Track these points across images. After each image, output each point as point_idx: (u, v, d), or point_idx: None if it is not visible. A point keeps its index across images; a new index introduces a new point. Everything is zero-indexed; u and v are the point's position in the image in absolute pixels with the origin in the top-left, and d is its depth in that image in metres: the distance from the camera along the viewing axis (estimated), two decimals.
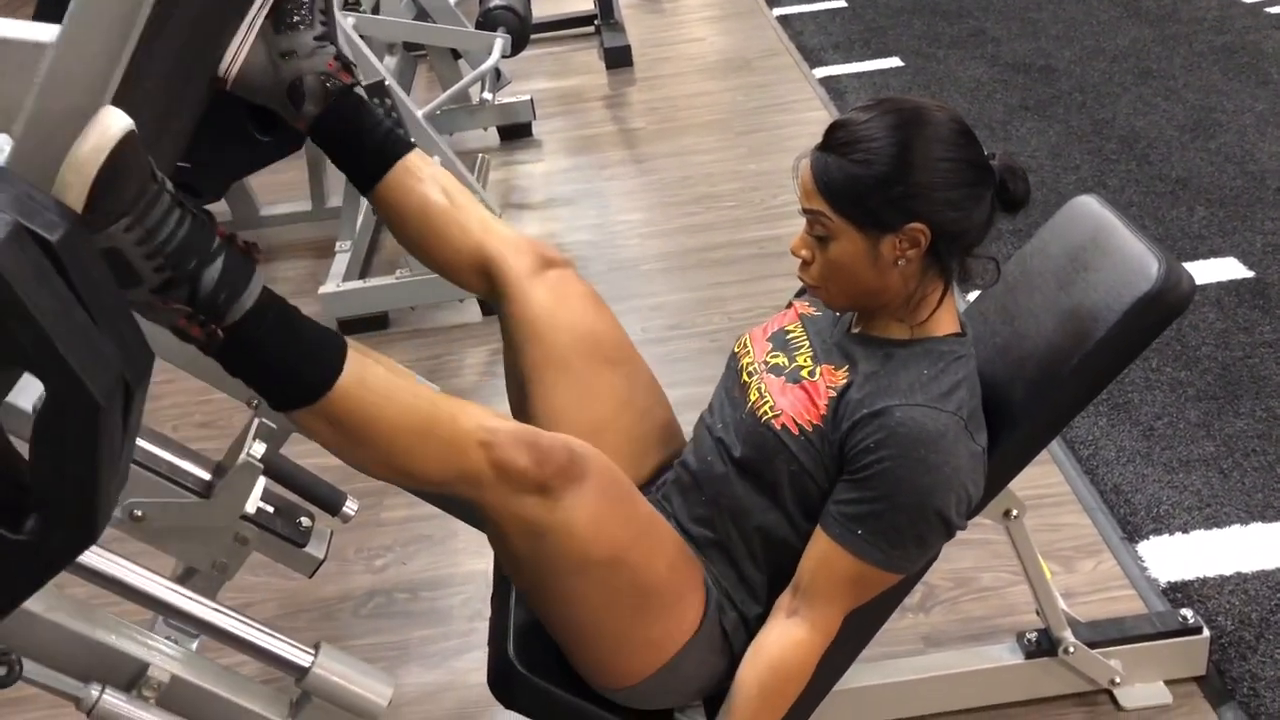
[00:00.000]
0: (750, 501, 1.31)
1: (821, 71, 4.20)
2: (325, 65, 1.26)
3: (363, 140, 1.34)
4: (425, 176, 1.38)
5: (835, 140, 1.23)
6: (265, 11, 1.22)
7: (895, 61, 4.19)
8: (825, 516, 1.25)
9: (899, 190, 1.19)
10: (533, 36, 3.82)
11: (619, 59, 4.51)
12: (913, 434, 1.19)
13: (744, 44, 4.65)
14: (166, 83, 1.04)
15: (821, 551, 1.24)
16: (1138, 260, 1.31)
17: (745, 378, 1.36)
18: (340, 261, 3.00)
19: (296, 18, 1.24)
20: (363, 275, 3.05)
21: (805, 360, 1.33)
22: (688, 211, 3.36)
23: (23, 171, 0.81)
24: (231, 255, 0.99)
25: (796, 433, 1.26)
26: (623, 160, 3.76)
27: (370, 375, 1.08)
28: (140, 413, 0.86)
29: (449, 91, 3.23)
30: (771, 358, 1.37)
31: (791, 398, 1.29)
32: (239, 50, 1.20)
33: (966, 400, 1.24)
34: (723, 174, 3.55)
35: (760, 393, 1.32)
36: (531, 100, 3.93)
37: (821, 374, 1.30)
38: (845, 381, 1.27)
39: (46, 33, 0.82)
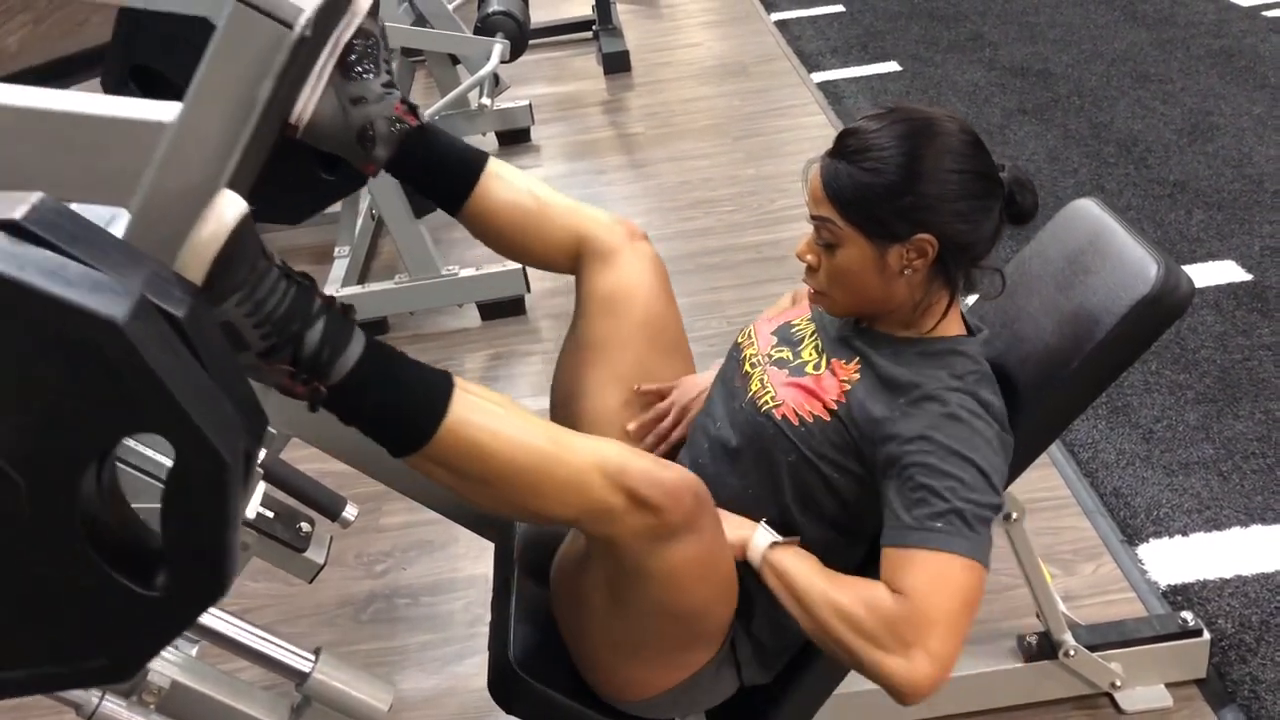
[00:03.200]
0: (744, 499, 1.30)
1: (819, 76, 4.21)
2: (393, 110, 1.26)
3: (441, 167, 1.35)
4: (508, 182, 1.39)
5: (846, 148, 1.23)
6: (334, 61, 1.23)
7: (893, 66, 4.20)
8: (897, 532, 1.16)
9: (908, 200, 1.20)
10: (531, 42, 3.83)
11: (617, 64, 4.52)
12: (960, 412, 1.19)
13: (742, 49, 4.65)
14: (258, 146, 1.06)
15: (906, 564, 1.14)
16: (1136, 263, 1.31)
17: (748, 368, 1.37)
18: (339, 266, 3.01)
19: (364, 66, 1.25)
20: (361, 280, 3.05)
21: (810, 354, 1.33)
22: (685, 216, 3.36)
23: (139, 246, 0.83)
24: (332, 317, 1.00)
25: (797, 423, 1.26)
26: (621, 165, 3.76)
27: (478, 415, 1.06)
28: (254, 471, 0.88)
29: (447, 97, 3.24)
30: (776, 351, 1.37)
31: (795, 391, 1.29)
32: (310, 98, 1.21)
33: (996, 400, 1.25)
34: (720, 179, 3.56)
35: (762, 383, 1.32)
36: (530, 105, 3.94)
37: (829, 368, 1.30)
38: (858, 375, 1.27)
39: (167, 112, 0.85)
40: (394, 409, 1.04)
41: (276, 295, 0.95)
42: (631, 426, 1.44)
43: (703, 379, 1.48)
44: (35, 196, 0.76)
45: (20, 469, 0.73)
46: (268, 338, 0.95)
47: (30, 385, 0.71)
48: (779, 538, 1.23)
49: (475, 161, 1.37)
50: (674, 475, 1.11)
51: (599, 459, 1.08)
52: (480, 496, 1.10)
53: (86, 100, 0.87)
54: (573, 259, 1.44)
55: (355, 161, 1.29)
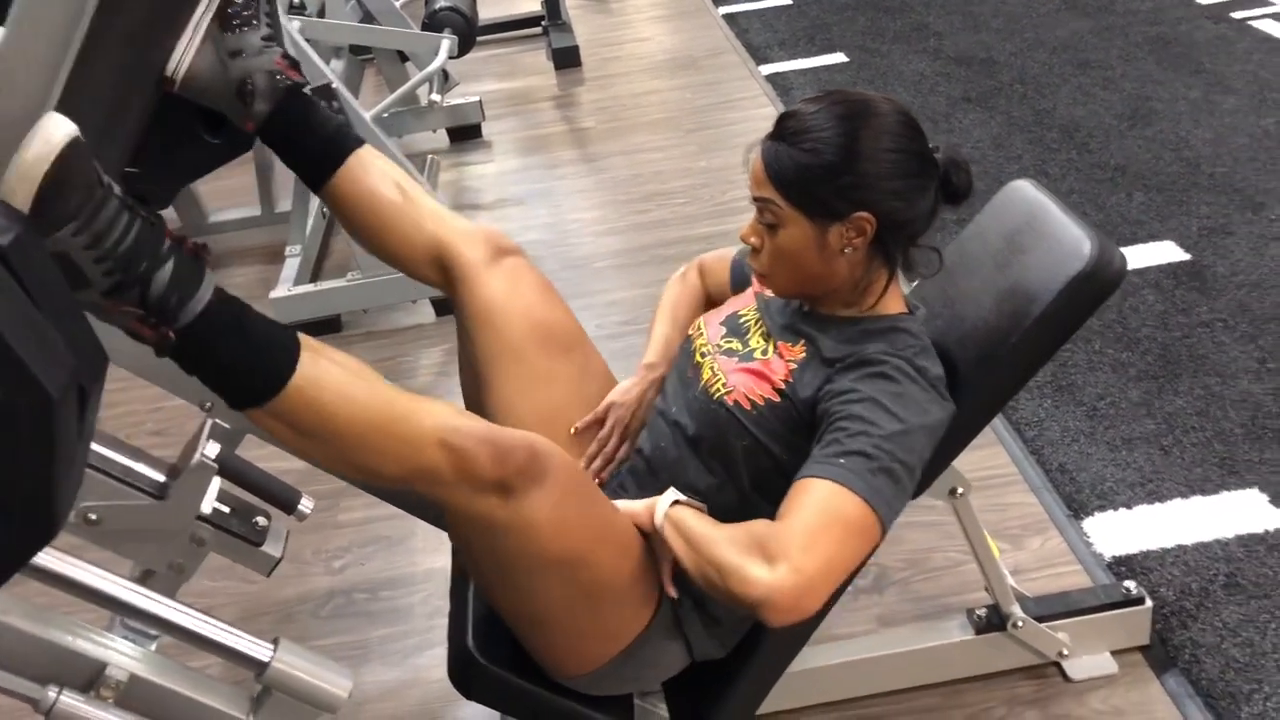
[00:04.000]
0: (704, 482, 1.33)
1: (768, 68, 4.25)
2: (273, 63, 1.26)
3: (313, 137, 1.35)
4: (376, 171, 1.39)
5: (785, 130, 1.26)
6: (211, 13, 1.22)
7: (840, 57, 4.24)
8: (805, 468, 1.19)
9: (847, 180, 1.23)
10: (480, 38, 3.84)
11: (567, 59, 4.53)
12: (891, 371, 1.22)
13: (691, 42, 4.68)
14: (112, 86, 1.04)
15: (799, 493, 1.17)
16: (1071, 241, 1.35)
17: (699, 358, 1.39)
18: (291, 266, 3.00)
19: (243, 18, 1.24)
20: (314, 279, 3.04)
21: (758, 341, 1.36)
22: (639, 209, 3.38)
23: None
24: (182, 258, 0.99)
25: (749, 407, 1.29)
26: (573, 159, 3.78)
27: (325, 373, 1.08)
28: (95, 414, 0.86)
29: (396, 93, 3.23)
30: (725, 341, 1.39)
31: (744, 377, 1.32)
32: (186, 51, 1.21)
33: (933, 367, 1.28)
34: (673, 171, 3.58)
35: (713, 371, 1.35)
36: (480, 101, 3.94)
37: (776, 351, 1.33)
38: (804, 355, 1.30)
39: None
40: (243, 359, 1.04)
41: (119, 229, 0.93)
42: (574, 430, 1.45)
43: (632, 392, 1.47)
44: None
45: None
46: (111, 274, 0.93)
47: None
48: (682, 499, 1.25)
49: (347, 142, 1.37)
50: (506, 435, 1.13)
51: (435, 421, 1.11)
52: (317, 452, 1.12)
53: None
54: (436, 270, 1.44)
55: (235, 117, 1.29)
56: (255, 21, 1.24)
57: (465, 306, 1.44)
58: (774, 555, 1.11)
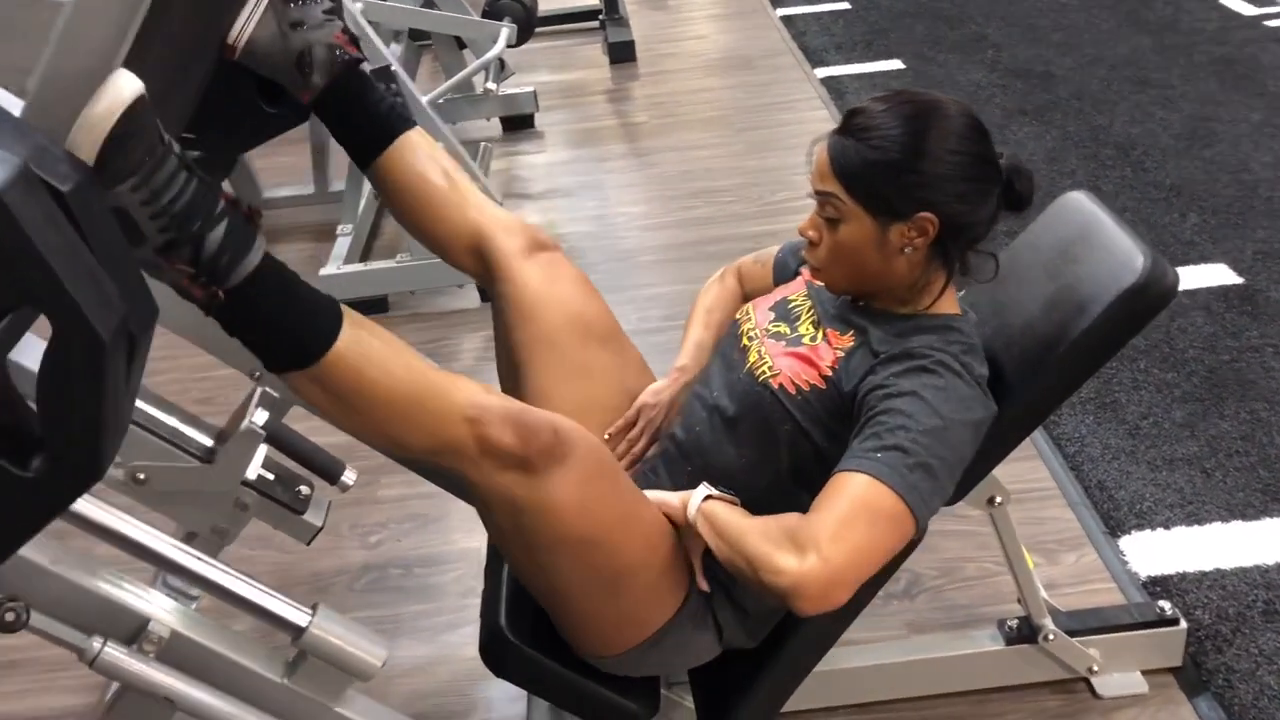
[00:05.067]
0: (738, 466, 1.33)
1: (823, 72, 4.24)
2: (333, 37, 1.28)
3: (366, 114, 1.36)
4: (424, 154, 1.41)
5: (853, 125, 1.27)
6: None
7: (896, 64, 4.23)
8: (842, 461, 1.20)
9: (911, 179, 1.23)
10: (537, 30, 3.85)
11: (623, 54, 4.54)
12: (934, 366, 1.22)
13: (747, 42, 4.68)
14: (176, 49, 1.06)
15: (833, 485, 1.18)
16: (1124, 254, 1.35)
17: (745, 341, 1.40)
18: (341, 244, 3.03)
19: None
20: (363, 258, 3.08)
21: (807, 329, 1.37)
22: (686, 205, 3.39)
23: (36, 127, 0.84)
24: (235, 219, 1.02)
25: (794, 392, 1.30)
26: (623, 154, 3.79)
27: (365, 343, 1.11)
28: (143, 365, 0.88)
29: (453, 79, 3.26)
30: (773, 326, 1.40)
31: (791, 361, 1.32)
32: (249, 20, 1.23)
33: (978, 366, 1.28)
34: (722, 169, 3.58)
35: (760, 355, 1.35)
36: (535, 92, 3.96)
37: (825, 338, 1.33)
38: (853, 344, 1.30)
39: None
40: (287, 324, 1.06)
41: (176, 186, 0.95)
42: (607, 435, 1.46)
43: (664, 394, 1.48)
44: None
45: None
46: (165, 231, 0.95)
47: None
48: (715, 493, 1.27)
49: (399, 123, 1.38)
50: (534, 414, 1.16)
51: (464, 397, 1.13)
52: (348, 421, 1.15)
53: None
54: (473, 258, 1.45)
55: (292, 88, 1.30)
56: None
57: (502, 297, 1.45)
58: (803, 545, 1.12)
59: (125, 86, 0.87)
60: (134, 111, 0.88)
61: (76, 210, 0.77)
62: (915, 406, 1.19)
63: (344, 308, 1.12)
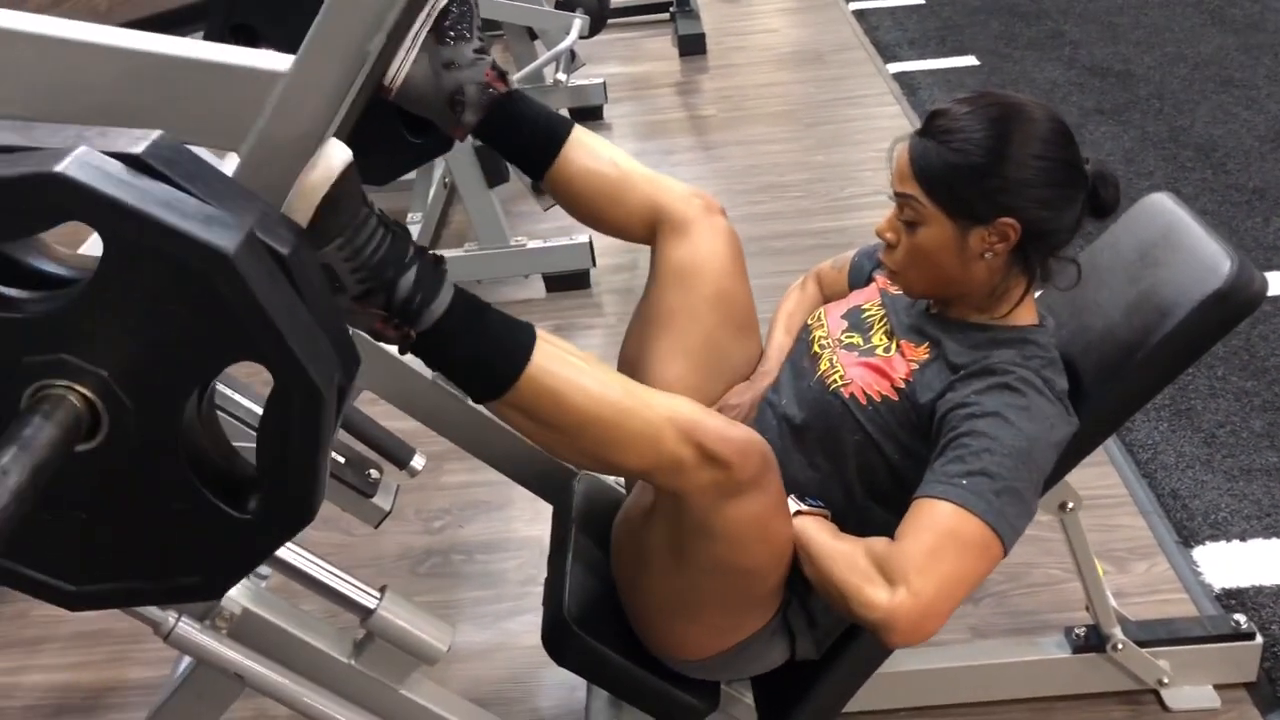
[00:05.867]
0: (806, 476, 1.32)
1: (895, 67, 4.19)
2: (484, 75, 1.30)
3: (527, 135, 1.38)
4: (590, 151, 1.41)
5: (935, 127, 1.25)
6: (429, 25, 1.26)
7: (971, 60, 4.16)
8: (923, 486, 1.18)
9: (994, 183, 1.21)
10: (608, 21, 3.85)
11: (693, 46, 4.53)
12: (1016, 383, 1.20)
13: (818, 36, 4.64)
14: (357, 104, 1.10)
15: (918, 513, 1.16)
16: (1210, 258, 1.31)
17: (816, 349, 1.38)
18: (411, 232, 3.06)
19: (457, 31, 1.28)
20: (432, 246, 3.10)
21: (880, 339, 1.35)
22: (753, 200, 3.37)
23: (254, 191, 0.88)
24: (424, 265, 1.04)
25: (865, 403, 1.28)
26: (691, 146, 3.78)
27: (558, 365, 1.10)
28: (344, 411, 0.92)
29: (525, 70, 3.27)
30: (846, 336, 1.38)
31: (863, 371, 1.31)
32: (404, 61, 1.25)
33: (1060, 380, 1.26)
34: (790, 164, 3.56)
35: (831, 363, 1.34)
36: (604, 83, 3.97)
37: (899, 350, 1.31)
38: (928, 356, 1.29)
39: (281, 62, 0.90)
40: (479, 355, 1.08)
41: (374, 241, 0.99)
42: None
43: (746, 395, 1.46)
44: (155, 134, 0.80)
45: (130, 391, 0.77)
46: (364, 282, 0.99)
47: (145, 313, 0.75)
48: (805, 508, 1.26)
49: (560, 129, 1.40)
50: (743, 434, 1.14)
51: (672, 413, 1.11)
52: (556, 444, 1.14)
53: (205, 48, 0.92)
54: (649, 229, 1.45)
55: (444, 125, 1.32)
56: (468, 35, 1.28)
57: (666, 257, 1.44)
58: (893, 578, 1.12)
59: (337, 155, 0.92)
60: (345, 179, 0.92)
61: (294, 271, 0.82)
62: (999, 428, 1.17)
63: (539, 331, 1.12)
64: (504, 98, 1.32)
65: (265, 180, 0.91)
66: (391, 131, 1.39)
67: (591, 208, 1.44)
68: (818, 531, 1.23)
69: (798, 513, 1.25)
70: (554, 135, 1.40)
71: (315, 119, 0.91)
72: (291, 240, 0.83)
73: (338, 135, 0.94)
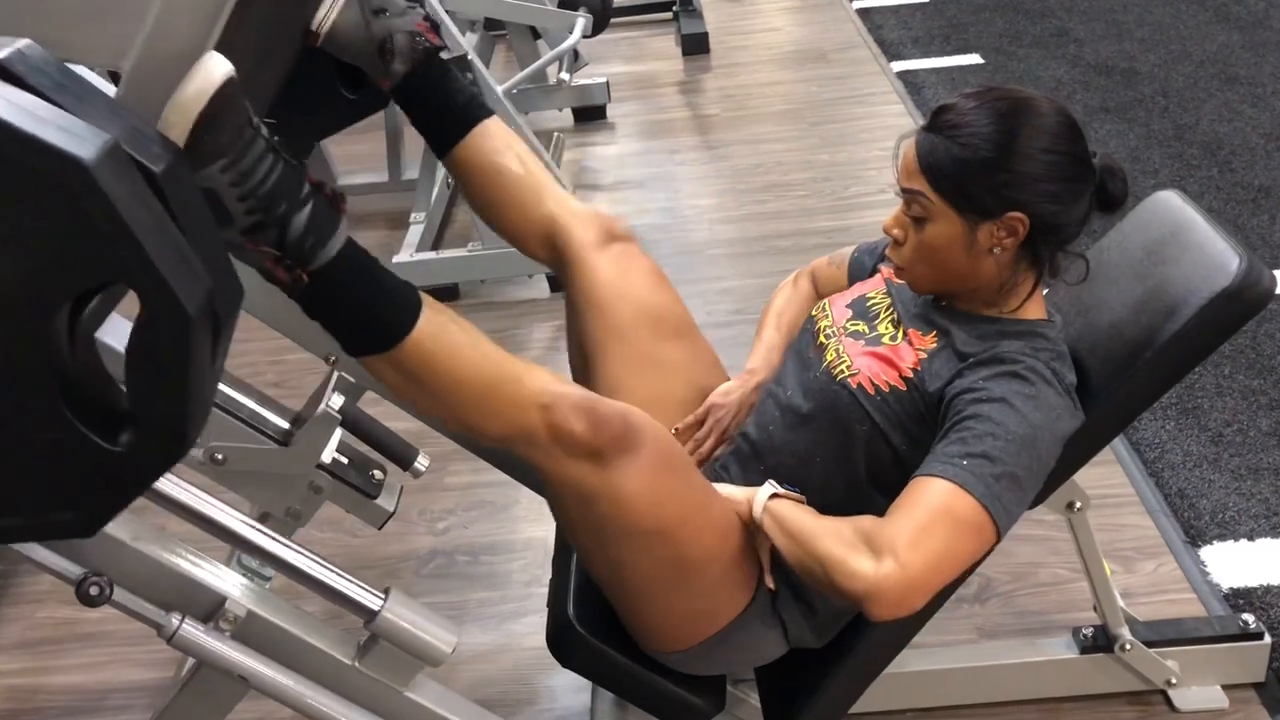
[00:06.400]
0: (812, 467, 1.32)
1: (899, 66, 4.18)
2: (415, 25, 1.29)
3: (446, 102, 1.37)
4: (502, 144, 1.42)
5: (942, 122, 1.24)
6: None
7: (975, 58, 4.15)
8: (923, 465, 1.18)
9: (1002, 177, 1.20)
10: (610, 20, 3.85)
11: (696, 45, 4.52)
12: (1025, 372, 1.20)
13: (822, 35, 4.63)
14: (263, 33, 1.08)
15: (913, 490, 1.16)
16: (1218, 256, 1.31)
17: (822, 339, 1.38)
18: (414, 232, 3.06)
19: None
20: (435, 247, 3.10)
21: (887, 328, 1.34)
22: (757, 199, 3.36)
23: (130, 107, 0.86)
24: (320, 203, 1.03)
25: (873, 392, 1.27)
26: (694, 146, 3.77)
27: (444, 329, 1.12)
28: (228, 347, 0.90)
29: (528, 69, 3.27)
30: (851, 324, 1.38)
31: (870, 361, 1.30)
32: (332, 6, 1.24)
33: (1068, 374, 1.25)
34: (794, 163, 3.55)
35: (838, 353, 1.33)
36: (607, 83, 3.96)
37: (906, 338, 1.31)
38: (936, 345, 1.28)
39: None
40: (368, 308, 1.07)
41: (263, 168, 0.96)
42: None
43: (733, 394, 1.46)
44: (22, 42, 0.76)
45: None
46: (252, 213, 0.96)
47: (2, 225, 0.71)
48: (781, 491, 1.25)
49: (477, 111, 1.39)
50: (604, 405, 1.16)
51: (537, 385, 1.14)
52: (424, 404, 1.16)
53: None
54: (547, 248, 1.45)
55: (373, 74, 1.32)
56: None
57: (574, 287, 1.45)
58: (880, 549, 1.11)
59: (216, 68, 0.89)
60: (225, 93, 0.89)
61: (167, 190, 0.79)
62: (1005, 414, 1.17)
63: (424, 295, 1.13)
64: (434, 52, 1.31)
65: (146, 99, 0.87)
66: (326, 87, 1.38)
67: (489, 202, 1.44)
68: (796, 511, 1.22)
69: (773, 495, 1.25)
70: (467, 115, 1.39)
71: (193, 33, 0.87)
72: (165, 157, 0.79)
73: (264, 89, 0.91)
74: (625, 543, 1.22)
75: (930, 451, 1.19)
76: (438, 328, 1.11)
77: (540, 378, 1.16)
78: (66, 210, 0.70)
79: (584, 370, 1.47)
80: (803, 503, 1.26)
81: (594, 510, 1.20)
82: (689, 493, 1.24)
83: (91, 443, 0.79)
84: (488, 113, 1.41)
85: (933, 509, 1.13)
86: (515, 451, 1.18)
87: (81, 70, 0.87)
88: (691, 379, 1.48)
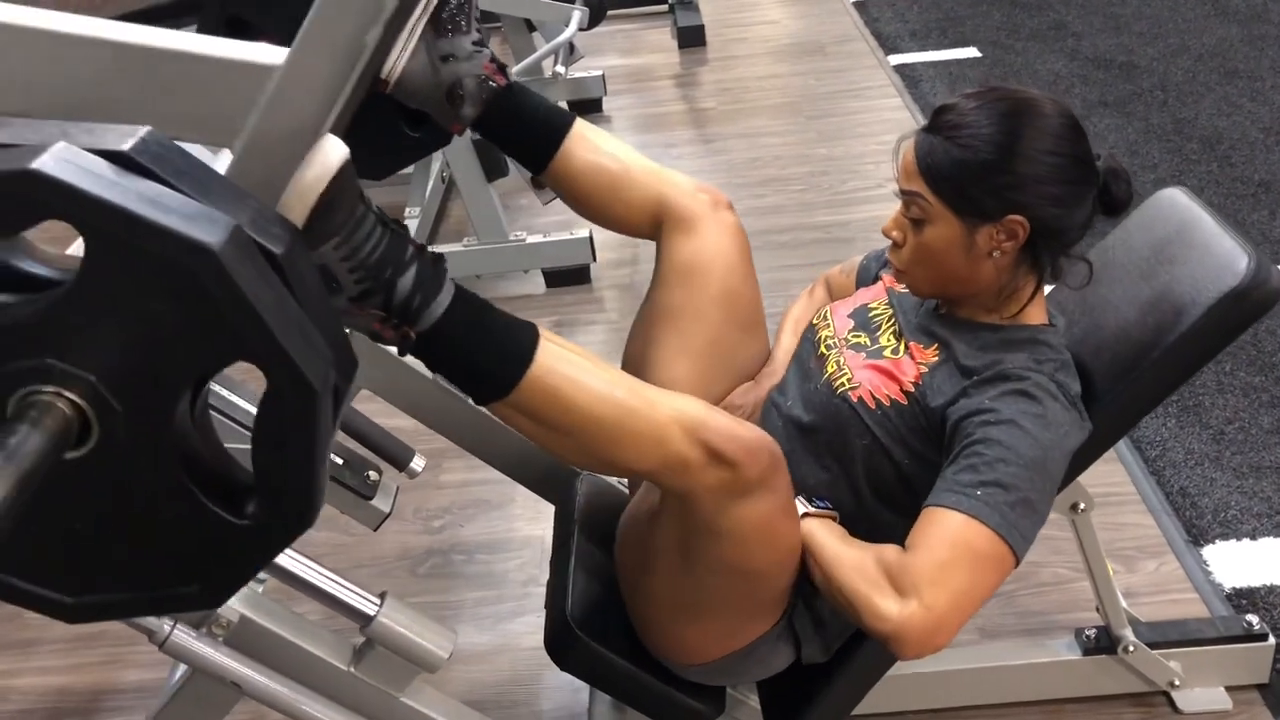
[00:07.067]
0: (815, 479, 1.30)
1: (896, 59, 4.16)
2: (482, 68, 1.27)
3: (526, 129, 1.35)
4: (592, 144, 1.39)
5: (942, 122, 1.22)
6: (426, 17, 1.24)
7: (972, 52, 4.13)
8: (936, 494, 1.16)
9: (1003, 180, 1.18)
10: (607, 13, 3.82)
11: (692, 38, 4.50)
12: (1033, 389, 1.18)
13: (818, 28, 4.61)
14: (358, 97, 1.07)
15: (930, 523, 1.14)
16: (1225, 255, 1.29)
17: (824, 350, 1.36)
18: (409, 227, 3.03)
19: (455, 23, 1.26)
20: (430, 241, 3.08)
21: (889, 340, 1.32)
22: (755, 193, 3.34)
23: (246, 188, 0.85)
24: (423, 264, 1.01)
25: (874, 406, 1.25)
26: (691, 139, 3.75)
27: (562, 365, 1.07)
28: (340, 415, 0.90)
29: (524, 63, 3.24)
30: (853, 335, 1.36)
31: (871, 374, 1.28)
32: (401, 54, 1.22)
33: (1073, 384, 1.23)
34: (792, 157, 3.53)
35: (839, 365, 1.31)
36: (603, 76, 3.93)
37: (908, 351, 1.29)
38: (937, 358, 1.26)
39: (275, 55, 0.87)
40: (481, 357, 1.05)
41: (372, 241, 0.96)
42: None
43: (750, 395, 1.44)
44: (143, 130, 0.77)
45: (119, 395, 0.74)
46: (361, 282, 0.97)
47: (132, 313, 0.72)
48: (813, 510, 1.23)
49: (561, 122, 1.37)
50: (752, 433, 1.11)
51: (678, 413, 1.09)
52: (560, 445, 1.11)
53: (196, 40, 0.89)
54: (653, 224, 1.42)
55: (442, 120, 1.30)
56: (466, 27, 1.25)
57: (671, 254, 1.41)
58: (904, 589, 1.10)
59: (334, 152, 0.88)
60: (342, 177, 0.89)
61: (288, 270, 0.79)
62: (1015, 437, 1.15)
63: (541, 330, 1.09)
64: (503, 90, 1.30)
65: (259, 178, 0.87)
66: (389, 125, 1.36)
67: (594, 202, 1.42)
68: (826, 535, 1.20)
69: (805, 514, 1.23)
70: (555, 128, 1.37)
71: (311, 114, 0.88)
72: (285, 239, 0.80)
73: (334, 131, 0.91)
74: (720, 575, 1.19)
75: (941, 476, 1.17)
76: (554, 364, 1.07)
77: (678, 404, 1.11)
78: (197, 296, 0.72)
79: (643, 340, 1.44)
80: (835, 519, 1.24)
81: (705, 539, 1.15)
82: (796, 536, 1.20)
83: (218, 517, 0.80)
84: (570, 119, 1.39)
85: (952, 545, 1.11)
86: (659, 481, 1.14)
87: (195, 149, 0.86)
88: (742, 376, 1.46)
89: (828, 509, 1.25)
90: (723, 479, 1.09)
